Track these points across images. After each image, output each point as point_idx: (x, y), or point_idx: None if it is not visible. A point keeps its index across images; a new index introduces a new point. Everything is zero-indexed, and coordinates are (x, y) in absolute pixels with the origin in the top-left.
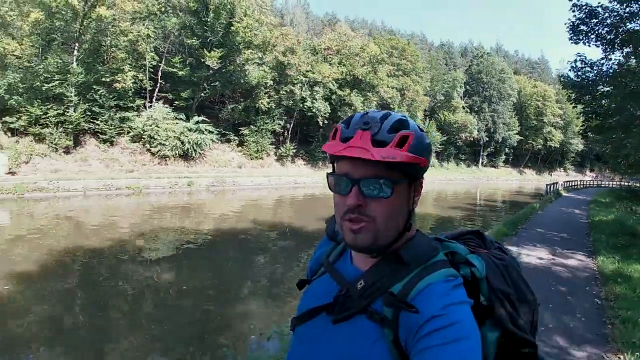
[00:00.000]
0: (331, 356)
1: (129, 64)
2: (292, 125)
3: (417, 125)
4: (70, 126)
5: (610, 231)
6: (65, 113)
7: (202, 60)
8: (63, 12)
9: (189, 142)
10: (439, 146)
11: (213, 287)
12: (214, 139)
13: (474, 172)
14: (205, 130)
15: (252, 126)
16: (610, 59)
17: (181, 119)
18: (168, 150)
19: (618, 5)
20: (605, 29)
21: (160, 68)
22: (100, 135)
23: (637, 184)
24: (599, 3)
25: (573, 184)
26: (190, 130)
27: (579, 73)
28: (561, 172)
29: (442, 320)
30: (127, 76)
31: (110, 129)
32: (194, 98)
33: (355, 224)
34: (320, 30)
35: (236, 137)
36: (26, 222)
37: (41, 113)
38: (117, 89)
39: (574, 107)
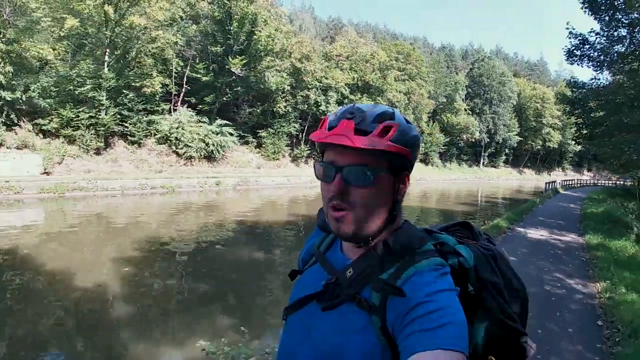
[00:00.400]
0: (321, 343)
1: (157, 70)
2: (306, 127)
3: (404, 118)
4: (102, 128)
5: (598, 219)
6: (97, 116)
7: (227, 66)
8: (96, 19)
9: (213, 144)
10: (442, 147)
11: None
12: (235, 141)
13: (476, 172)
14: (227, 132)
15: (269, 129)
16: (599, 79)
17: (204, 122)
18: (194, 151)
19: (608, 30)
20: (596, 52)
21: (186, 74)
22: (129, 137)
23: (630, 183)
24: (591, 29)
25: (570, 182)
26: (213, 132)
27: (573, 89)
28: (560, 172)
29: (428, 306)
30: (155, 81)
31: (138, 132)
32: (215, 102)
33: (338, 211)
34: (327, 34)
35: (254, 139)
36: (106, 216)
37: (73, 116)
38: (146, 93)
39: (568, 119)
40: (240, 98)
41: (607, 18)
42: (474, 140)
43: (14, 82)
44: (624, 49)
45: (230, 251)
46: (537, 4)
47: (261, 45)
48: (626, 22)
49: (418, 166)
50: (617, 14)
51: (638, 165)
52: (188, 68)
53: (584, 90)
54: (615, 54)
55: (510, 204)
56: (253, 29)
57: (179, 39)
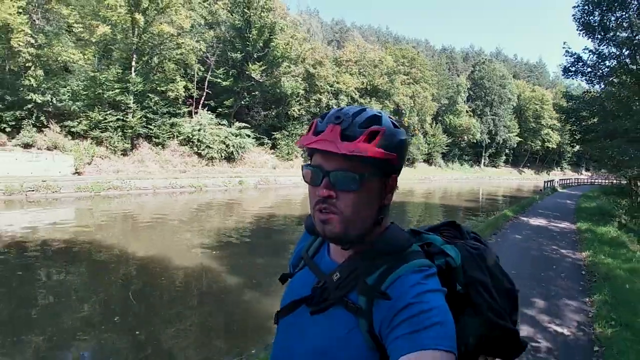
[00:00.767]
0: (311, 347)
1: (180, 75)
2: None
3: (391, 122)
4: (130, 131)
5: (590, 212)
6: (125, 118)
7: (246, 72)
8: (124, 26)
9: (233, 146)
10: (445, 148)
11: None
12: (253, 143)
13: (477, 172)
14: (245, 134)
15: (283, 131)
16: (590, 92)
17: (224, 124)
18: (215, 152)
19: (598, 51)
20: (588, 69)
21: (207, 79)
22: (154, 139)
23: (624, 182)
24: (585, 46)
25: (568, 181)
26: (232, 134)
27: (568, 101)
28: (558, 172)
29: (414, 309)
30: (179, 86)
31: (162, 134)
32: (233, 106)
33: (325, 214)
34: (332, 38)
35: (269, 141)
36: (160, 210)
37: (101, 118)
38: (169, 97)
39: (563, 126)
40: (256, 101)
41: (599, 37)
42: (475, 141)
43: (43, 85)
44: (613, 63)
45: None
46: (537, 6)
47: (278, 52)
48: (617, 41)
49: (422, 166)
50: (609, 34)
51: (627, 166)
52: (209, 73)
53: (577, 102)
54: (605, 69)
55: (510, 201)
56: (271, 37)
57: (202, 46)
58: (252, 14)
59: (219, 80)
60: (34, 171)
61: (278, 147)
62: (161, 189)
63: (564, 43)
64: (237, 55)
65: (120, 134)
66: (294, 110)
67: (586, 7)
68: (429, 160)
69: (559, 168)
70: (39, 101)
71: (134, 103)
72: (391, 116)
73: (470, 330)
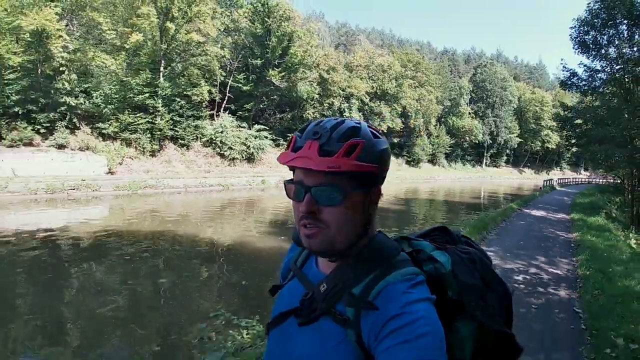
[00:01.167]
0: (300, 358)
1: (204, 79)
2: None
3: (371, 131)
4: (158, 133)
5: (583, 206)
6: (153, 121)
7: (265, 77)
8: (154, 33)
9: (254, 147)
10: (448, 148)
11: None
12: (271, 144)
13: (479, 172)
14: (264, 136)
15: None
16: (584, 102)
17: (244, 127)
18: (237, 153)
19: (591, 68)
20: (582, 82)
21: (229, 84)
22: (179, 140)
23: (619, 181)
24: (580, 61)
25: (566, 180)
26: (252, 136)
27: (564, 110)
28: (558, 172)
29: (402, 319)
30: (203, 90)
31: (187, 135)
32: (253, 109)
33: (309, 229)
34: (338, 42)
35: (285, 142)
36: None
37: (131, 120)
38: (194, 101)
39: (560, 133)
40: (273, 105)
41: (593, 53)
42: (477, 142)
43: (77, 88)
44: (605, 76)
45: None
46: (537, 8)
47: (296, 59)
48: (608, 58)
49: (427, 166)
50: (603, 50)
51: (620, 166)
52: (231, 78)
53: (571, 111)
54: (598, 81)
55: (511, 199)
56: (289, 44)
57: (226, 52)
58: (271, 23)
59: (239, 85)
60: (69, 171)
61: None
62: (192, 188)
63: (562, 60)
64: (257, 62)
65: (149, 135)
66: (308, 114)
67: (582, 28)
68: (433, 160)
69: (558, 168)
70: (73, 104)
71: (162, 106)
72: (371, 125)
73: (464, 336)
